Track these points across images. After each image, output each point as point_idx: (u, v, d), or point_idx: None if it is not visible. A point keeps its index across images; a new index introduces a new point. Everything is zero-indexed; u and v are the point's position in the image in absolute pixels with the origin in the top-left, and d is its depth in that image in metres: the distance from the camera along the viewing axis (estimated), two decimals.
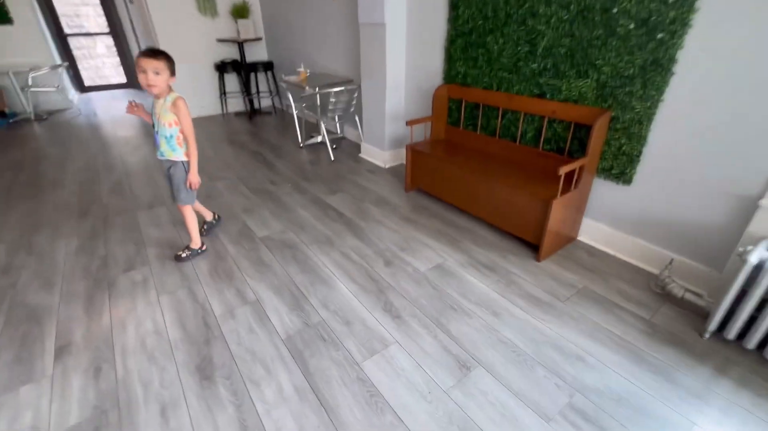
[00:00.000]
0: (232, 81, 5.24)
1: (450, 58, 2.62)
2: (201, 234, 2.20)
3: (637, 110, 1.77)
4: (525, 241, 2.17)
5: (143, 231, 2.38)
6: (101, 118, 5.21)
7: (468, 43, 2.45)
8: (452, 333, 1.58)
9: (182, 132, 1.83)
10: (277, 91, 5.27)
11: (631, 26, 1.70)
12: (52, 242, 2.27)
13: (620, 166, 1.92)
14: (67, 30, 6.54)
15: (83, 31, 6.85)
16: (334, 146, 3.86)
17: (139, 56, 1.63)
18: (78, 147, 3.98)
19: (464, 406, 1.29)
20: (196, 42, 4.82)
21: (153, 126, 1.85)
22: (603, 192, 2.05)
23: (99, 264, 2.05)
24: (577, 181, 1.95)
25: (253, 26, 4.89)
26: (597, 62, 1.85)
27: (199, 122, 4.90)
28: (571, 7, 1.88)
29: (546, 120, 2.15)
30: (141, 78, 1.66)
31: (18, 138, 4.32)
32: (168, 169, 1.92)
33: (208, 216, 2.30)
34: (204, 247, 2.13)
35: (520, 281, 1.89)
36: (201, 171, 3.28)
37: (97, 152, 3.82)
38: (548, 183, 2.03)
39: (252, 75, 5.18)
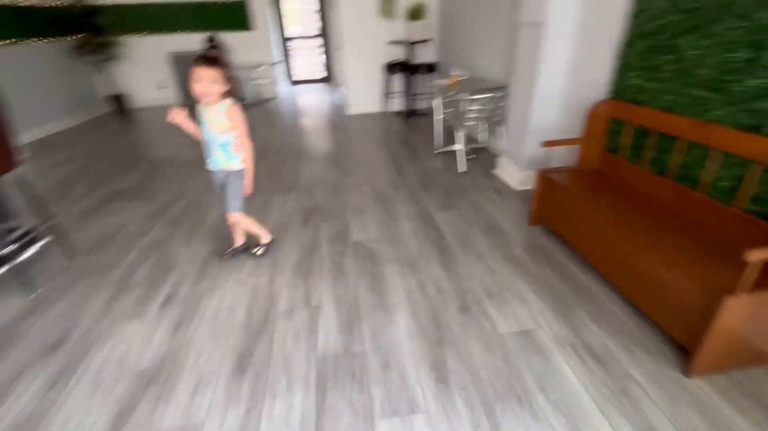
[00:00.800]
0: (397, 81, 5.46)
1: (623, 66, 1.99)
2: (224, 254, 2.12)
3: None
4: (672, 338, 1.48)
5: (270, 211, 2.70)
6: (294, 107, 6.26)
7: (651, 47, 1.79)
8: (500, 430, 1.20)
9: (237, 138, 1.80)
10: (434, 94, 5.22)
11: None
12: (211, 206, 2.81)
13: None
14: (290, 33, 8.09)
15: (301, 34, 8.34)
16: (472, 156, 3.56)
17: (193, 65, 1.60)
18: (265, 130, 4.88)
19: None
20: (372, 43, 5.19)
21: (204, 135, 1.79)
22: None
23: (227, 233, 2.43)
24: None
25: (423, 28, 4.93)
26: None
27: (359, 118, 5.32)
28: None
29: (758, 168, 1.38)
30: (196, 87, 1.63)
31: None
32: (222, 179, 1.89)
33: (240, 240, 2.16)
34: (272, 238, 2.17)
35: (641, 396, 1.29)
36: (338, 165, 3.56)
37: (275, 136, 4.59)
38: (733, 263, 1.31)
39: (416, 76, 5.26)
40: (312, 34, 8.27)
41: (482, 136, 3.84)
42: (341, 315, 1.71)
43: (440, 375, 1.40)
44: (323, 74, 8.65)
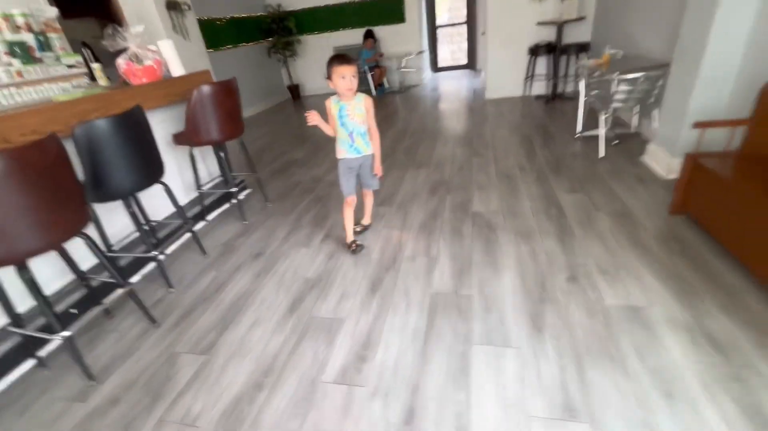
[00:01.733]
0: (541, 64, 5.26)
1: None
2: (353, 245, 2.25)
3: None
4: None
5: (403, 183, 3.13)
6: (436, 93, 6.64)
7: None
8: (585, 379, 1.33)
9: (371, 127, 2.02)
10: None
11: None
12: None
13: None
14: (438, 22, 8.42)
15: (450, 21, 8.59)
16: (616, 142, 3.31)
17: (337, 64, 1.80)
18: (407, 113, 5.38)
19: None
20: (518, 26, 5.11)
21: (342, 126, 1.98)
22: None
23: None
24: None
25: (578, 5, 4.61)
26: None
27: (497, 102, 5.36)
28: None
29: None
30: (341, 83, 1.82)
31: (386, 103, 6.29)
32: (361, 164, 2.09)
33: (367, 218, 2.44)
34: (355, 246, 2.23)
35: (757, 385, 1.23)
36: (468, 146, 3.76)
37: (415, 118, 5.04)
38: None
39: (564, 58, 4.99)
40: (458, 21, 8.44)
41: (635, 120, 3.50)
42: (454, 266, 2.01)
43: (536, 325, 1.58)
44: (465, 60, 8.76)
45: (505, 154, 3.45)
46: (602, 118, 3.16)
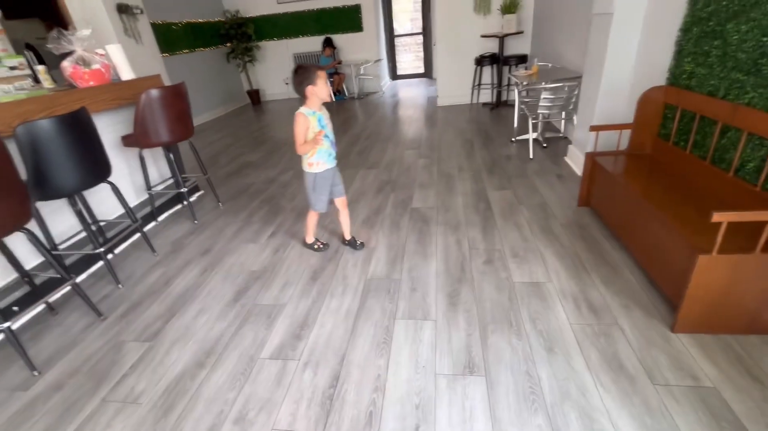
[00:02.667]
0: (486, 73, 5.65)
1: (679, 53, 2.04)
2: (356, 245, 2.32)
3: None
4: (674, 305, 1.61)
5: (354, 181, 3.32)
6: (393, 100, 6.91)
7: (703, 33, 1.85)
8: (486, 342, 1.57)
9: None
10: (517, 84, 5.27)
11: None
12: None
13: None
14: (398, 31, 8.75)
15: (406, 31, 8.95)
16: (545, 145, 3.68)
17: (318, 70, 1.79)
18: (364, 118, 5.60)
19: (439, 396, 1.37)
20: (464, 38, 5.48)
21: (326, 138, 1.90)
22: None
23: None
24: None
25: (516, 21, 5.03)
26: None
27: (448, 109, 5.69)
28: None
29: None
30: (325, 89, 1.82)
31: (344, 109, 6.47)
32: (334, 173, 2.06)
33: (347, 234, 2.32)
34: (318, 245, 2.32)
35: (620, 339, 1.51)
36: (416, 149, 4.03)
37: (371, 123, 5.26)
38: (728, 233, 1.41)
39: (506, 69, 5.39)
40: (415, 31, 8.81)
41: (562, 125, 3.89)
42: (389, 255, 2.21)
43: (452, 301, 1.81)
44: (423, 69, 9.14)
45: (448, 155, 3.73)
46: (531, 123, 3.51)
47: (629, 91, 2.63)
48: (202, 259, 2.37)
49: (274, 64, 7.73)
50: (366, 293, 1.92)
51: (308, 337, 1.69)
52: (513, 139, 3.94)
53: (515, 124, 4.01)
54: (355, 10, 7.15)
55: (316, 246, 2.33)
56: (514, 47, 5.39)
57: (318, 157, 1.97)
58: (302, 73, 1.81)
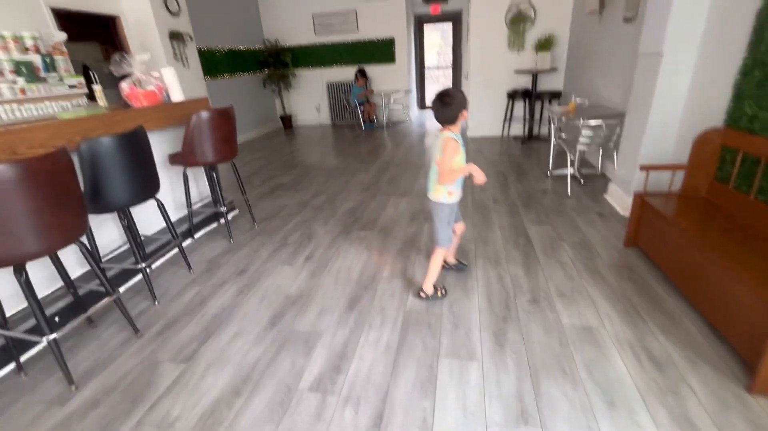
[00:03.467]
0: (518, 108, 5.68)
1: (739, 96, 1.98)
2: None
3: None
4: (743, 358, 1.48)
5: (386, 209, 3.31)
6: (422, 129, 7.01)
7: (767, 76, 1.80)
8: (540, 389, 1.46)
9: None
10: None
11: None
12: (342, 201, 3.59)
13: None
14: (427, 64, 8.99)
15: (438, 65, 9.18)
16: (582, 182, 3.60)
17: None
18: (394, 147, 5.66)
19: None
20: (498, 72, 5.57)
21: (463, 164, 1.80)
22: None
23: (352, 220, 3.11)
24: None
25: (551, 58, 5.09)
26: None
27: (478, 140, 5.71)
28: None
29: None
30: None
31: (373, 138, 6.59)
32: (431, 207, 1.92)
33: (450, 257, 2.25)
34: (441, 293, 2.04)
35: (690, 399, 1.38)
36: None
37: (401, 152, 5.31)
38: None
39: (538, 103, 5.42)
40: (445, 64, 9.03)
41: (599, 162, 3.82)
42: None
43: (499, 340, 1.72)
44: None
45: (481, 187, 3.69)
46: (570, 158, 3.46)
47: (678, 131, 2.57)
48: (238, 279, 2.36)
49: (307, 91, 8.00)
50: (406, 326, 1.85)
51: (348, 370, 1.62)
52: (549, 173, 3.88)
53: (551, 159, 3.96)
54: (390, 43, 7.41)
55: (439, 294, 2.01)
56: (547, 83, 5.43)
57: (456, 186, 1.83)
58: (460, 96, 1.70)
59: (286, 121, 7.92)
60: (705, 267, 1.66)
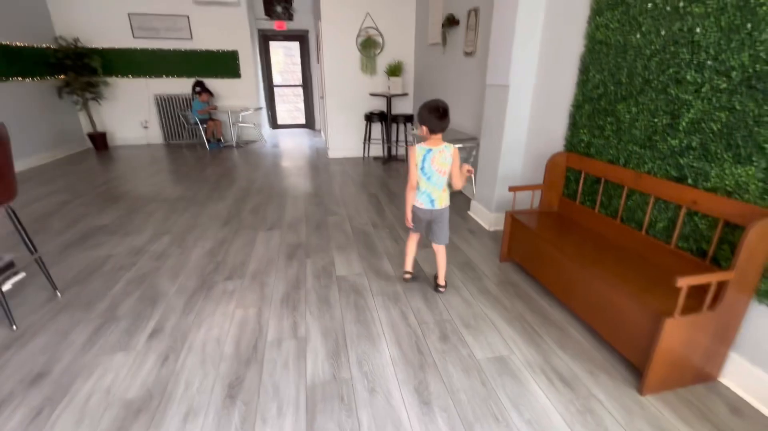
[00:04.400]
0: (376, 129, 5.84)
1: (574, 125, 2.33)
2: (406, 280, 2.31)
3: None
4: (627, 360, 1.66)
5: (255, 247, 2.78)
6: (277, 149, 6.49)
7: (596, 110, 2.14)
8: None
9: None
10: (412, 141, 5.61)
11: None
12: (195, 242, 2.87)
13: None
14: (275, 82, 8.52)
15: (285, 83, 8.80)
16: None
17: (431, 123, 1.86)
18: (250, 170, 5.03)
19: None
20: (353, 95, 5.60)
21: (424, 175, 1.96)
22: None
23: (212, 268, 2.49)
24: (715, 299, 1.41)
25: (402, 83, 5.40)
26: (767, 146, 1.36)
27: (342, 161, 5.60)
28: (733, 74, 1.45)
29: (683, 210, 1.66)
30: (429, 137, 1.93)
31: (220, 159, 5.74)
32: (436, 216, 2.05)
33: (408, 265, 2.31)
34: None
35: (603, 414, 1.43)
36: (320, 204, 3.73)
37: (260, 176, 4.74)
38: (669, 291, 1.53)
39: (394, 125, 5.67)
40: (294, 83, 8.74)
41: None
42: (328, 344, 1.79)
43: (423, 398, 1.50)
44: (304, 120, 9.04)
45: (357, 211, 3.52)
46: None
47: (524, 154, 2.93)
48: (31, 392, 1.51)
49: (127, 104, 6.52)
50: (312, 408, 1.46)
51: None
52: None
53: None
54: (233, 56, 6.70)
55: (405, 278, 2.32)
56: (400, 107, 5.74)
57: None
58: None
59: (98, 139, 6.24)
60: (584, 280, 1.82)
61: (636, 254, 1.87)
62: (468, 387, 1.55)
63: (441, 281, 2.22)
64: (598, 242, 2.02)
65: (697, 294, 1.44)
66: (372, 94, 5.49)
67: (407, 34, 5.48)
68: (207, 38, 6.50)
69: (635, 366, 1.60)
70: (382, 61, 5.51)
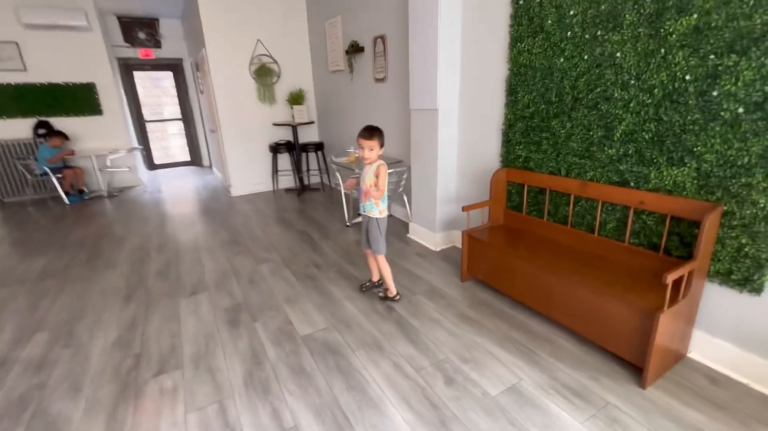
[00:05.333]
0: (284, 160, 5.48)
1: (508, 142, 2.47)
2: (361, 290, 2.47)
3: (762, 205, 1.45)
4: (617, 357, 1.76)
5: (182, 322, 2.24)
6: (164, 194, 5.56)
7: (529, 127, 2.31)
8: None
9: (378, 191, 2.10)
10: (326, 169, 5.40)
11: (741, 110, 1.45)
12: (91, 332, 2.17)
13: (743, 271, 1.54)
14: (146, 117, 7.38)
15: (160, 117, 7.71)
16: None
17: (359, 136, 2.04)
18: (138, 224, 4.15)
19: None
20: (254, 126, 5.16)
21: (359, 185, 2.21)
22: (720, 300, 1.65)
23: (131, 363, 1.89)
24: (686, 287, 1.58)
25: (307, 111, 5.19)
26: (696, 149, 1.60)
27: (251, 198, 5.07)
28: (655, 91, 1.68)
29: (632, 210, 1.86)
30: (360, 152, 2.07)
31: (89, 214, 4.63)
32: (366, 224, 2.23)
33: (375, 276, 2.46)
34: (398, 297, 2.34)
35: (626, 419, 1.46)
36: (246, 252, 3.25)
37: (154, 230, 3.94)
38: (644, 287, 1.68)
39: (303, 155, 5.39)
40: (170, 116, 7.72)
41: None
42: (327, 426, 1.48)
43: None
44: (188, 157, 8.03)
45: (292, 253, 3.17)
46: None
47: (456, 173, 3.02)
48: None
49: None
50: None
51: None
52: (348, 224, 3.80)
53: (345, 209, 3.91)
54: (88, 89, 5.57)
55: (398, 298, 2.36)
56: (308, 135, 5.50)
57: (383, 203, 2.21)
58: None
59: None
60: (558, 290, 1.89)
61: (592, 255, 2.03)
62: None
63: (389, 291, 2.35)
64: (554, 248, 2.14)
65: (667, 289, 1.59)
66: (276, 124, 5.14)
67: (304, 61, 5.31)
68: (48, 69, 5.28)
69: (628, 362, 1.69)
70: (281, 90, 5.23)
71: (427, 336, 2.01)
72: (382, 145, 2.07)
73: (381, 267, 2.30)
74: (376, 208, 2.17)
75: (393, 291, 2.34)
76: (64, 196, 5.15)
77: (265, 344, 2.00)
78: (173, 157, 8.10)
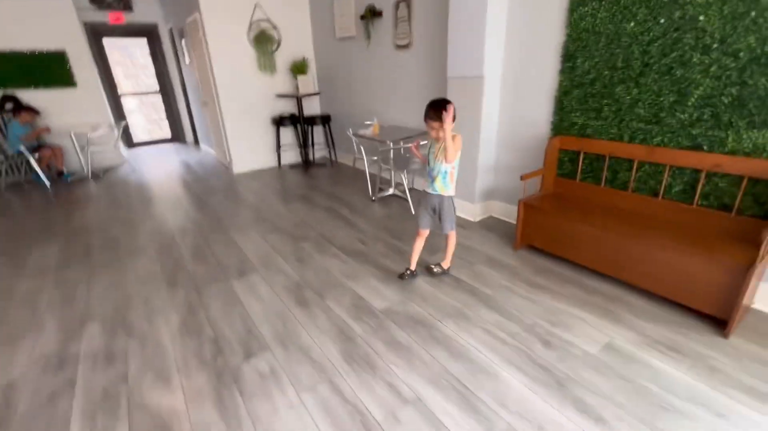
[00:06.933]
0: (287, 134, 5.24)
1: (562, 109, 2.48)
2: (402, 278, 2.32)
3: None
4: (694, 311, 1.87)
5: (245, 304, 2.14)
6: (154, 174, 5.19)
7: (588, 94, 2.31)
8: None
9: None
10: (332, 143, 5.21)
11: None
12: (149, 320, 2.04)
13: None
14: (120, 90, 6.76)
15: (136, 90, 7.09)
16: (405, 198, 3.68)
17: (426, 117, 1.94)
18: (141, 206, 3.87)
19: None
20: (255, 98, 4.86)
21: (428, 164, 2.10)
22: None
23: (213, 349, 1.80)
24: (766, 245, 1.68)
25: (312, 82, 4.94)
26: None
27: (255, 175, 4.85)
28: (741, 54, 1.72)
29: (704, 173, 1.93)
30: (432, 133, 1.98)
31: (78, 198, 4.25)
32: (438, 203, 2.13)
33: (414, 264, 2.32)
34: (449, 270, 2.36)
35: (721, 366, 1.57)
36: (279, 230, 3.13)
37: (163, 211, 3.69)
38: (724, 245, 1.77)
39: (309, 128, 5.17)
40: (146, 89, 7.11)
41: (406, 178, 4.03)
42: (450, 396, 1.49)
43: (592, 414, 1.38)
44: (169, 133, 7.50)
45: (329, 230, 3.08)
46: (405, 179, 3.44)
47: (496, 142, 3.01)
48: None
49: None
50: None
51: None
52: (374, 198, 3.73)
53: (369, 183, 3.82)
54: (59, 58, 4.98)
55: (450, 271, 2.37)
56: (312, 107, 5.26)
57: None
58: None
59: None
60: (634, 252, 1.96)
61: (657, 218, 2.11)
62: (614, 388, 1.50)
63: (446, 263, 2.35)
64: (616, 213, 2.20)
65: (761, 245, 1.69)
66: (279, 95, 4.86)
67: (304, 27, 5.00)
68: (11, 34, 4.66)
69: (705, 315, 1.81)
70: (282, 58, 4.92)
71: (507, 303, 2.04)
72: (454, 119, 1.92)
73: (450, 242, 2.28)
74: (451, 185, 2.10)
75: (448, 264, 2.35)
76: (44, 179, 4.68)
77: (347, 321, 1.96)
78: (152, 134, 7.55)
